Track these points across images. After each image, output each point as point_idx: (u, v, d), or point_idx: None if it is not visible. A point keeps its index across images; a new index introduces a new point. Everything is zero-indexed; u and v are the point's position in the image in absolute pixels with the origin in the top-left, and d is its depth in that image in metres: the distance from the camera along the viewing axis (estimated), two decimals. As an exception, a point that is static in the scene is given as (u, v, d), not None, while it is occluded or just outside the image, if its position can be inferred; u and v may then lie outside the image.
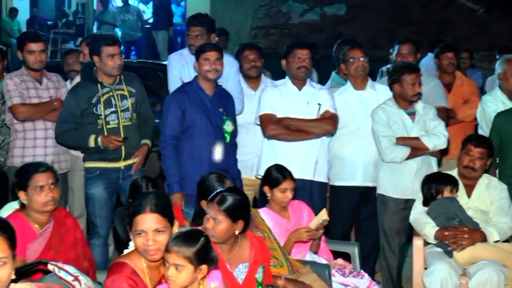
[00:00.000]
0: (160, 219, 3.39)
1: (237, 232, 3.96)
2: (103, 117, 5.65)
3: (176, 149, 5.60)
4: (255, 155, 6.09)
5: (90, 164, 5.75)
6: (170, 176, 5.58)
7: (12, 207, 4.71)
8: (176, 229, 3.47)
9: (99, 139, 5.62)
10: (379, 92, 6.09)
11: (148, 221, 3.39)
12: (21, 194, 4.25)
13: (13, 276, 2.95)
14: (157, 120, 7.07)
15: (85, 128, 5.65)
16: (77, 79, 6.26)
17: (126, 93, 5.79)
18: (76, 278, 3.69)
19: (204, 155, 5.58)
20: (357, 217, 6.19)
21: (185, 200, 5.44)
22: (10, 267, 2.88)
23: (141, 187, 4.98)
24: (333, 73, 6.90)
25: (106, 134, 5.64)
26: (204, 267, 3.35)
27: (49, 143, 6.04)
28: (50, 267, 3.73)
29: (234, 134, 5.75)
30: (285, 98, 5.88)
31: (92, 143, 5.62)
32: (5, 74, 6.33)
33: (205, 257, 3.36)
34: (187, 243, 3.33)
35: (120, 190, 5.79)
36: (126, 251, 3.60)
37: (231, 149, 5.75)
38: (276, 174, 4.99)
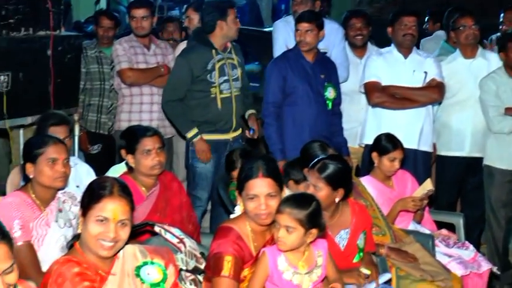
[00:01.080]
0: (272, 184, 3.40)
1: (337, 200, 3.95)
2: (217, 85, 5.58)
3: (279, 116, 5.60)
4: (359, 123, 6.06)
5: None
6: (273, 144, 5.60)
7: (116, 170, 4.83)
8: (284, 194, 3.49)
9: (197, 138, 5.53)
10: (490, 60, 5.95)
11: (261, 186, 3.39)
12: (129, 158, 4.34)
13: None
14: (257, 84, 7.12)
15: (193, 96, 5.57)
16: (180, 47, 6.28)
17: (235, 62, 5.75)
18: (181, 241, 3.76)
19: (305, 122, 5.58)
20: (463, 187, 6.11)
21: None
22: (129, 229, 2.97)
23: (234, 162, 5.03)
24: (442, 41, 6.77)
25: (220, 103, 5.57)
26: (314, 231, 3.36)
27: (155, 108, 6.13)
28: (156, 229, 3.81)
29: (336, 101, 5.72)
30: (391, 66, 5.83)
31: (190, 134, 5.54)
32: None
33: (315, 221, 3.37)
34: (299, 206, 3.34)
35: (220, 164, 5.72)
36: (232, 216, 3.64)
37: (334, 116, 5.72)
38: (387, 143, 4.93)
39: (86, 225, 2.93)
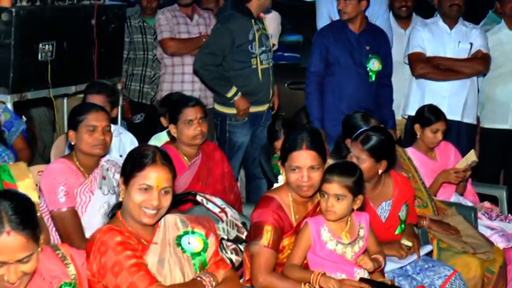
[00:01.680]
0: (315, 156, 3.38)
1: (380, 171, 3.94)
2: (257, 55, 5.55)
3: (320, 85, 5.57)
4: (402, 94, 6.02)
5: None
6: (312, 113, 5.58)
7: (159, 137, 4.89)
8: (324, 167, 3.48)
9: (238, 95, 5.52)
10: (537, 31, 5.86)
11: (304, 158, 3.37)
12: (171, 127, 4.36)
13: None
14: (298, 55, 7.09)
15: (232, 66, 5.54)
16: None
17: (267, 33, 5.76)
18: (223, 210, 3.79)
19: (345, 93, 5.54)
20: (506, 160, 6.05)
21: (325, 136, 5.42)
22: (171, 197, 2.99)
23: (277, 132, 5.02)
24: (490, 11, 6.67)
25: (261, 74, 5.57)
26: (360, 197, 3.39)
27: (196, 79, 6.11)
28: (198, 198, 3.84)
29: (381, 73, 5.62)
30: (436, 37, 5.77)
31: (231, 93, 5.51)
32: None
33: (361, 187, 3.40)
34: (347, 173, 3.35)
35: (255, 136, 5.76)
36: (276, 185, 3.64)
37: (381, 88, 5.65)
38: (430, 114, 4.90)
39: (129, 194, 2.94)
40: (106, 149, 3.86)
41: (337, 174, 3.34)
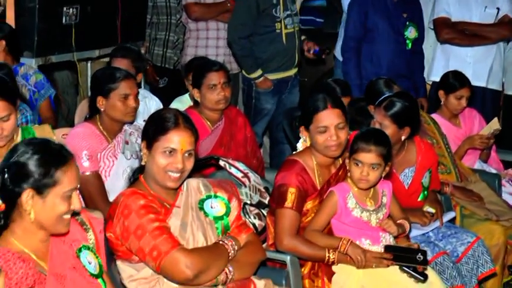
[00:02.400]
0: (340, 114, 3.39)
1: (403, 138, 3.92)
2: (281, 19, 5.52)
3: (358, 52, 5.54)
4: (426, 60, 5.96)
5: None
6: (351, 80, 5.52)
7: (182, 100, 4.92)
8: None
9: (261, 79, 5.52)
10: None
11: (331, 117, 3.37)
12: (195, 92, 4.36)
13: None
14: (322, 20, 7.03)
15: (257, 31, 5.50)
16: None
17: None
18: (245, 175, 3.80)
19: (384, 60, 5.52)
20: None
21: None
22: (194, 159, 3.00)
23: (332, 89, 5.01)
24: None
25: (285, 39, 5.53)
26: (390, 164, 3.39)
27: (220, 44, 6.10)
28: (221, 163, 3.85)
29: (418, 40, 5.60)
30: (461, 2, 5.72)
31: (255, 75, 5.52)
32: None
33: (391, 154, 3.40)
34: (382, 142, 3.33)
35: (280, 101, 5.74)
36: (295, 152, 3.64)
37: (414, 55, 5.63)
38: (454, 80, 4.86)
39: (153, 158, 2.94)
40: (136, 115, 3.90)
41: (373, 144, 3.30)
